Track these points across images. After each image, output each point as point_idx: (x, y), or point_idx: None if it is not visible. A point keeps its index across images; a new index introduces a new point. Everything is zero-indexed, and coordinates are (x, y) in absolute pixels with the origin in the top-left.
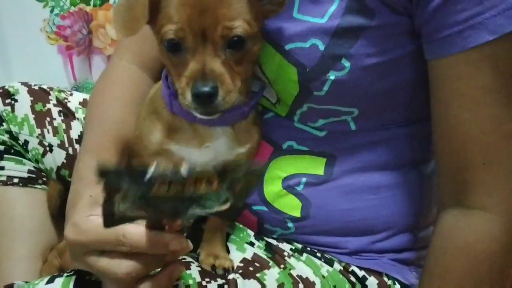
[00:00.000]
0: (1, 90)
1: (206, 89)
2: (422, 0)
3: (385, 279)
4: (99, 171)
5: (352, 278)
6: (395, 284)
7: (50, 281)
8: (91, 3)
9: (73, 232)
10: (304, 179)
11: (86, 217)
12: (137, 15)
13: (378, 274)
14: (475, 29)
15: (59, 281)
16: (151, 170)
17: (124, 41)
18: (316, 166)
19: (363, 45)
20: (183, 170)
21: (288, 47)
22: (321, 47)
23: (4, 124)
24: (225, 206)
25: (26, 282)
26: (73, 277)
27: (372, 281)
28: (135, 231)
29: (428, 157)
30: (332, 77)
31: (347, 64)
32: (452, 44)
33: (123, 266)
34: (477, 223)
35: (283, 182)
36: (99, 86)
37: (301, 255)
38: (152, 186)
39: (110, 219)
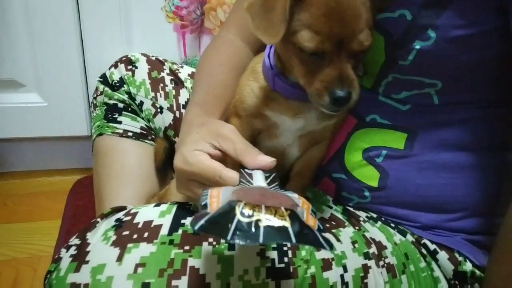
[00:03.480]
0: (124, 58)
1: (344, 95)
2: None
3: (456, 255)
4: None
5: (423, 250)
6: (465, 261)
7: (157, 205)
8: None
9: (180, 161)
10: (384, 152)
11: (192, 151)
12: (277, 20)
13: (449, 249)
14: None
15: (164, 205)
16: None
17: (231, 16)
18: (397, 140)
19: (450, 17)
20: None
21: (377, 17)
22: (409, 17)
23: (125, 86)
24: None
25: None
26: (176, 205)
27: (443, 255)
28: (230, 174)
29: None
30: (417, 47)
31: (433, 34)
32: None
33: None
34: None
35: (364, 153)
36: (207, 53)
37: (376, 222)
38: None
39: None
